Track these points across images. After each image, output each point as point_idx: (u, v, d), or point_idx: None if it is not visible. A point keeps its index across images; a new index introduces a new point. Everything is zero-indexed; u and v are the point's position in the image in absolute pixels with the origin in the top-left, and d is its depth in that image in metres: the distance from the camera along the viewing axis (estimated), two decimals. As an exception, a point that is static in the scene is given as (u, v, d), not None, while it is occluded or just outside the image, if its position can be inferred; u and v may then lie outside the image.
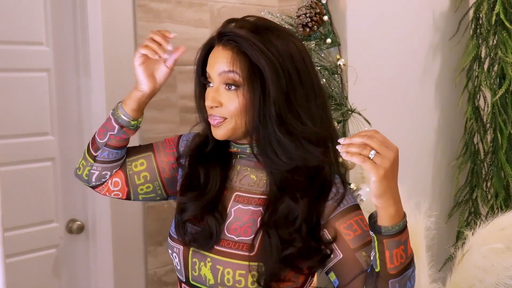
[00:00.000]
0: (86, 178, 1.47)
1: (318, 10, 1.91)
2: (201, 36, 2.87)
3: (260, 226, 1.26)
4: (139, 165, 1.45)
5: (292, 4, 2.15)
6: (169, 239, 1.38)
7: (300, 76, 1.27)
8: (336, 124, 1.92)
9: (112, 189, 1.47)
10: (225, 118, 1.28)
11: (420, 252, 1.84)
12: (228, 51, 1.28)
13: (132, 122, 1.40)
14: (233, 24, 1.31)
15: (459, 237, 2.36)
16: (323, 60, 1.94)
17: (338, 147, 1.13)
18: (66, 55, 2.42)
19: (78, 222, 2.47)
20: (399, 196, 1.19)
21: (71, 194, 2.46)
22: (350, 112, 1.94)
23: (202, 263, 1.30)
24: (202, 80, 1.35)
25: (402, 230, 1.17)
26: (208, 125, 1.34)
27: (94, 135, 1.43)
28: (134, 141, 2.76)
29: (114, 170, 1.45)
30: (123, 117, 1.39)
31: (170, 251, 1.37)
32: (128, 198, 1.47)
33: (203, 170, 1.36)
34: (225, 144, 1.38)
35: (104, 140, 1.41)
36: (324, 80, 1.92)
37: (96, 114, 2.44)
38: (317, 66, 1.93)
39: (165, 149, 1.46)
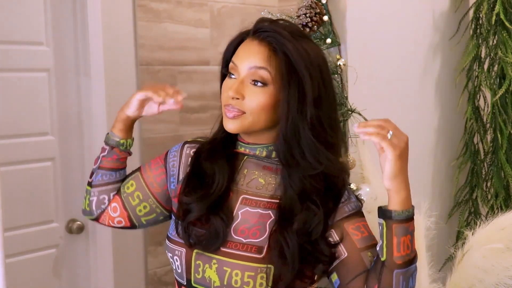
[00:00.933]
0: (89, 209, 1.47)
1: (318, 10, 1.91)
2: (201, 36, 2.87)
3: (276, 231, 1.26)
4: (130, 186, 1.45)
5: (292, 4, 2.15)
6: (168, 242, 1.37)
7: (326, 86, 1.30)
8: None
9: (112, 215, 1.46)
10: (243, 112, 1.27)
11: (420, 252, 1.84)
12: (264, 47, 1.27)
13: (121, 141, 1.44)
14: (268, 22, 1.31)
15: (459, 237, 2.36)
16: (323, 60, 1.94)
17: (355, 128, 1.17)
18: (66, 55, 2.42)
19: (78, 222, 2.47)
20: (409, 184, 1.21)
21: (71, 194, 2.46)
22: (350, 112, 1.94)
23: (206, 265, 1.29)
24: (223, 71, 1.34)
25: (411, 217, 1.21)
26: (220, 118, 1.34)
27: (92, 169, 1.48)
28: (134, 142, 2.74)
29: (112, 194, 1.46)
30: (113, 138, 1.44)
31: (170, 254, 1.36)
32: (132, 224, 1.47)
33: (209, 167, 1.35)
34: (231, 143, 1.38)
35: (97, 164, 1.45)
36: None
37: (96, 114, 2.44)
38: (317, 66, 1.93)
39: (150, 165, 1.47)
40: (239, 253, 1.26)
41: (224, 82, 1.31)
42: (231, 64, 1.30)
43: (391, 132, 1.17)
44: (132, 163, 2.80)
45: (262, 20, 1.32)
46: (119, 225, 1.47)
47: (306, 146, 1.26)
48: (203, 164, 1.36)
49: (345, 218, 1.29)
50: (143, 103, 1.41)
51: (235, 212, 1.31)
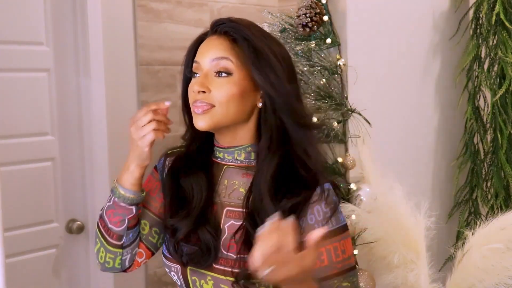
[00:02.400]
0: (120, 267, 1.40)
1: (318, 10, 1.91)
2: (201, 36, 2.88)
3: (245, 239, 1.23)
4: (145, 227, 1.39)
5: (292, 4, 2.15)
6: (163, 259, 1.36)
7: (293, 74, 1.30)
8: (336, 124, 1.93)
9: (139, 261, 1.41)
10: (212, 106, 1.24)
11: (420, 252, 1.84)
12: (223, 39, 1.27)
13: (143, 194, 1.34)
14: (225, 20, 1.30)
15: (459, 237, 2.36)
16: (323, 60, 1.94)
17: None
18: (66, 55, 2.42)
19: (78, 222, 2.47)
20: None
21: (71, 194, 2.46)
22: (350, 112, 1.94)
23: (202, 281, 1.28)
24: (187, 73, 1.33)
25: None
26: (190, 121, 1.30)
27: (108, 227, 1.34)
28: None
29: (140, 243, 1.41)
30: (133, 196, 1.32)
31: (167, 270, 1.35)
32: (153, 254, 1.44)
33: (185, 183, 1.32)
34: (208, 151, 1.34)
35: (124, 226, 1.33)
36: (324, 80, 1.92)
37: (96, 114, 2.44)
38: (317, 66, 1.93)
39: (150, 197, 1.39)
40: (233, 271, 1.23)
41: (190, 83, 1.29)
42: (194, 64, 1.29)
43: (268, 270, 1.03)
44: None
45: (216, 20, 1.32)
46: (143, 263, 1.43)
47: (292, 131, 1.24)
48: (180, 181, 1.33)
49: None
50: (152, 144, 1.30)
51: (221, 225, 1.28)
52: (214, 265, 1.26)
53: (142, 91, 2.68)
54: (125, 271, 1.42)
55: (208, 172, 1.33)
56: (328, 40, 1.93)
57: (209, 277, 1.26)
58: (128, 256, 1.38)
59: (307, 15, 1.89)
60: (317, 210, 1.23)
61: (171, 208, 1.34)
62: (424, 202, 1.82)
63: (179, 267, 1.31)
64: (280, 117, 1.25)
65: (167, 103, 1.30)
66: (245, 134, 1.30)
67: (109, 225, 1.34)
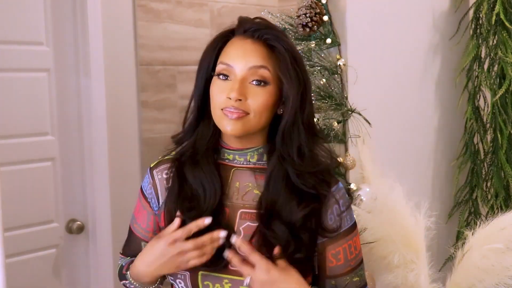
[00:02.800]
0: None
1: (318, 10, 1.91)
2: (201, 36, 2.87)
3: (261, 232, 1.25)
4: None
5: (292, 4, 2.15)
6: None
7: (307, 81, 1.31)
8: (336, 124, 1.93)
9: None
10: (247, 113, 1.23)
11: (420, 252, 1.84)
12: (259, 45, 1.25)
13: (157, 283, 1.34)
14: (256, 20, 1.29)
15: (459, 237, 2.36)
16: (323, 60, 1.94)
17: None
18: (66, 55, 2.42)
19: (78, 222, 2.47)
20: None
21: (71, 194, 2.46)
22: (350, 112, 1.94)
23: (217, 285, 1.25)
24: (211, 73, 1.28)
25: None
26: (197, 121, 1.29)
27: None
28: (134, 142, 2.75)
29: None
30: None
31: (171, 278, 1.31)
32: None
33: (196, 185, 1.29)
34: (214, 153, 1.32)
35: None
36: (324, 80, 1.92)
37: (96, 114, 2.44)
38: (317, 66, 1.93)
39: (142, 228, 1.37)
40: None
41: (216, 84, 1.26)
42: (223, 66, 1.25)
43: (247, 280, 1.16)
44: (132, 162, 2.81)
45: (245, 19, 1.30)
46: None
47: (303, 142, 1.26)
48: (189, 183, 1.29)
49: (330, 240, 1.28)
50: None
51: (236, 228, 1.27)
52: (230, 267, 1.24)
53: (142, 91, 2.68)
54: None
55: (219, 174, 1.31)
56: (328, 40, 1.93)
57: (226, 280, 1.25)
58: None
59: (307, 15, 1.89)
60: (335, 209, 1.28)
61: (179, 209, 1.29)
62: (424, 202, 1.82)
63: (187, 273, 1.27)
64: (298, 124, 1.27)
65: (207, 221, 1.24)
66: (260, 137, 1.31)
67: None
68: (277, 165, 1.27)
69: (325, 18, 1.93)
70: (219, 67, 1.26)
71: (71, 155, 2.45)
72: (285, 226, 1.23)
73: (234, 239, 1.20)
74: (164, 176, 1.34)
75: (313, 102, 1.91)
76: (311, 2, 1.92)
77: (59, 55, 2.41)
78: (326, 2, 1.95)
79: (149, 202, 1.36)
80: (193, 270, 1.26)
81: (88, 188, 2.47)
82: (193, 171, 1.29)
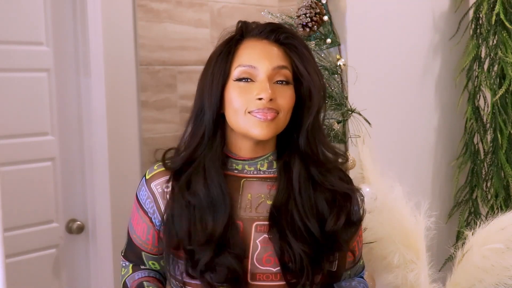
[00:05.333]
0: None
1: (318, 10, 1.91)
2: (201, 36, 2.87)
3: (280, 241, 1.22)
4: (156, 264, 1.37)
5: (292, 4, 2.15)
6: (181, 276, 1.24)
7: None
8: (336, 124, 1.93)
9: None
10: (278, 113, 1.22)
11: (420, 252, 1.84)
12: (277, 47, 1.26)
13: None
14: (267, 23, 1.31)
15: (459, 237, 2.36)
16: (323, 60, 1.94)
17: None
18: (66, 55, 2.42)
19: (78, 222, 2.47)
20: None
21: (71, 194, 2.46)
22: (350, 112, 1.94)
23: None
24: (232, 78, 1.24)
25: None
26: (214, 125, 1.24)
27: None
28: (134, 142, 2.75)
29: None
30: None
31: (180, 285, 1.25)
32: None
33: (204, 197, 1.22)
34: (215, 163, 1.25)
35: None
36: (324, 80, 1.92)
37: (96, 114, 2.44)
38: (317, 66, 1.93)
39: (141, 239, 1.34)
40: (273, 284, 1.21)
41: (237, 88, 1.22)
42: (243, 69, 1.22)
43: None
44: (132, 162, 2.81)
45: (252, 23, 1.32)
46: None
47: (322, 141, 1.29)
48: (194, 198, 1.23)
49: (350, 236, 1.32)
50: None
51: (252, 242, 1.23)
52: (251, 282, 1.21)
53: (142, 91, 2.68)
54: None
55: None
56: (328, 40, 1.93)
57: None
58: None
59: (307, 15, 1.89)
60: (357, 202, 1.34)
61: (187, 233, 1.22)
62: (424, 202, 1.82)
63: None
64: (319, 123, 1.30)
65: None
66: (272, 142, 1.30)
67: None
68: (302, 168, 1.25)
69: (325, 18, 1.93)
70: (239, 71, 1.23)
71: (71, 155, 2.45)
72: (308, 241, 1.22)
73: None
74: (165, 189, 1.28)
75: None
76: (311, 2, 1.92)
77: (59, 55, 2.41)
78: (326, 2, 1.95)
79: (150, 217, 1.30)
80: (209, 286, 1.21)
81: (88, 188, 2.47)
82: (199, 184, 1.23)
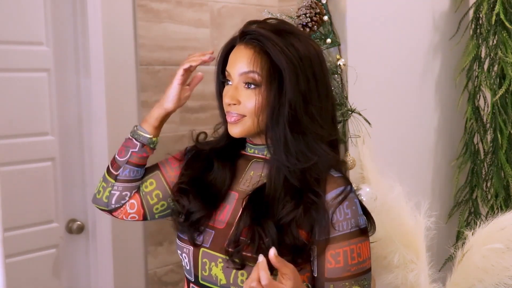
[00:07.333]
0: (106, 201, 1.48)
1: (318, 10, 1.91)
2: (201, 36, 2.87)
3: (252, 224, 1.28)
4: (149, 185, 1.48)
5: (292, 4, 2.15)
6: (177, 240, 1.40)
7: (317, 79, 1.31)
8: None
9: (129, 211, 1.49)
10: (243, 116, 1.31)
11: (420, 252, 1.84)
12: (249, 50, 1.30)
13: (153, 139, 1.45)
14: (255, 25, 1.34)
15: (459, 237, 2.36)
16: (323, 60, 1.94)
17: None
18: (66, 55, 2.42)
19: (78, 222, 2.47)
20: None
21: (71, 194, 2.46)
22: (350, 112, 1.94)
23: (213, 263, 1.31)
24: (220, 78, 1.38)
25: None
26: (226, 123, 1.37)
27: (114, 156, 1.46)
28: (134, 141, 2.66)
29: (134, 191, 1.47)
30: (144, 135, 1.43)
31: (179, 251, 1.40)
32: (144, 219, 1.50)
33: (210, 171, 1.40)
34: (238, 145, 1.41)
35: (126, 158, 1.44)
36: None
37: (96, 114, 2.44)
38: (317, 66, 1.93)
39: (170, 164, 1.48)
40: (245, 254, 1.27)
41: (224, 89, 1.35)
42: (226, 73, 1.34)
43: None
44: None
45: (249, 24, 1.36)
46: (132, 220, 1.50)
47: (285, 143, 1.28)
48: (205, 168, 1.41)
49: (331, 239, 1.27)
50: (180, 93, 1.44)
51: (242, 210, 1.32)
52: (228, 249, 1.29)
53: (142, 91, 2.68)
54: (111, 213, 1.50)
55: (234, 164, 1.40)
56: (328, 40, 1.93)
57: (220, 259, 1.30)
58: (117, 194, 1.46)
59: (307, 15, 1.89)
60: (339, 210, 1.28)
61: (190, 186, 1.39)
62: (424, 202, 1.82)
63: (191, 248, 1.35)
64: (279, 121, 1.29)
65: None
66: None
67: (116, 155, 1.45)
68: (274, 161, 1.32)
69: (325, 18, 1.93)
70: (225, 74, 1.35)
71: (71, 155, 2.45)
72: (274, 224, 1.26)
73: (271, 252, 1.15)
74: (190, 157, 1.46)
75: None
76: (311, 2, 1.92)
77: (59, 55, 2.41)
78: (326, 2, 1.95)
79: (184, 161, 1.47)
80: (195, 246, 1.34)
81: (88, 188, 2.47)
82: (212, 160, 1.41)
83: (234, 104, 1.31)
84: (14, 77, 2.31)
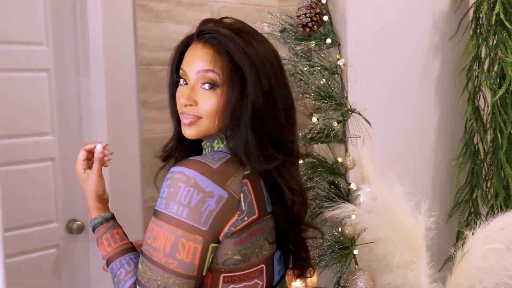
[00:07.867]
0: None
1: (318, 10, 1.91)
2: (201, 36, 2.88)
3: None
4: None
5: (292, 4, 2.15)
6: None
7: (277, 79, 1.28)
8: (336, 124, 1.92)
9: None
10: (200, 118, 1.26)
11: (420, 252, 1.84)
12: (208, 49, 1.26)
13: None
14: (212, 23, 1.30)
15: (459, 237, 2.36)
16: (323, 60, 1.94)
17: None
18: (66, 55, 2.42)
19: (78, 222, 2.47)
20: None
21: (71, 194, 2.46)
22: (350, 112, 1.94)
23: None
24: (174, 78, 1.34)
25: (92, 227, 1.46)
26: (178, 124, 1.33)
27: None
28: (134, 142, 2.74)
29: None
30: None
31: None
32: None
33: None
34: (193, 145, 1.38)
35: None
36: (324, 80, 1.92)
37: (96, 114, 2.44)
38: (317, 66, 1.93)
39: None
40: None
41: (178, 89, 1.30)
42: (181, 71, 1.29)
43: None
44: (132, 162, 2.81)
45: (204, 22, 1.31)
46: None
47: (246, 145, 1.23)
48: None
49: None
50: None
51: None
52: None
53: (142, 91, 2.68)
54: None
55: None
56: (328, 40, 1.93)
57: None
58: None
59: (307, 15, 1.89)
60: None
61: None
62: (424, 202, 1.82)
63: None
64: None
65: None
66: None
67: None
68: None
69: (325, 18, 1.93)
70: (180, 73, 1.29)
71: (71, 155, 2.45)
72: None
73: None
74: None
75: (312, 101, 1.92)
76: (311, 2, 1.92)
77: (59, 55, 2.41)
78: (326, 2, 1.95)
79: None
80: None
81: (88, 188, 2.46)
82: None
83: (191, 105, 1.25)
84: (14, 77, 2.31)
